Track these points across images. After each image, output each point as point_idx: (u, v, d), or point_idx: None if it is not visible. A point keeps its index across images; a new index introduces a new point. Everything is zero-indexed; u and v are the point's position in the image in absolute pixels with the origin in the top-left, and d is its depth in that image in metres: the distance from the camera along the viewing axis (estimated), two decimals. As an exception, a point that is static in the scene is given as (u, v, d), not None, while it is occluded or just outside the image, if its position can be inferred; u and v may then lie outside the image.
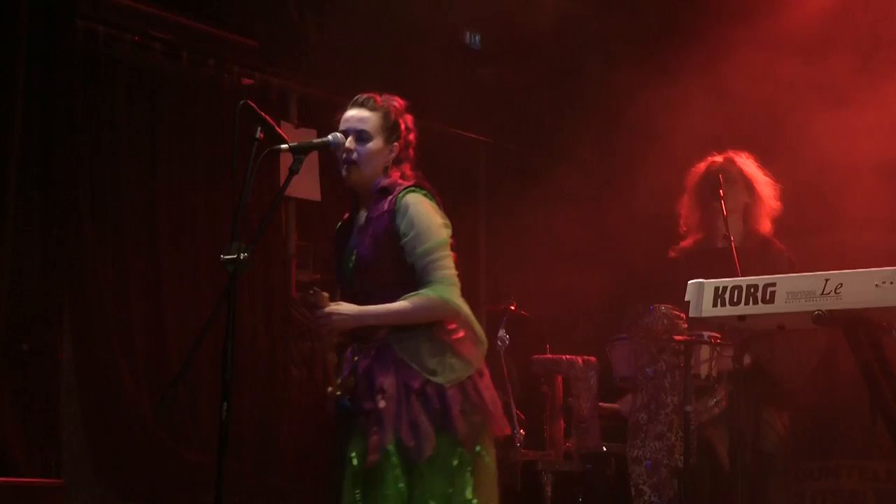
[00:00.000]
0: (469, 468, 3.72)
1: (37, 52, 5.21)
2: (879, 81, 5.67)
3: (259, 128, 3.49)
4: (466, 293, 3.96)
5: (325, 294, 3.74)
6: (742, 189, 5.10)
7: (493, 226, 7.42)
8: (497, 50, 7.04)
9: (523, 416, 5.61)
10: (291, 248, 6.35)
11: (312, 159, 6.08)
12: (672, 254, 5.22)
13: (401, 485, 3.62)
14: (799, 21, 6.04)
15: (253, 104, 3.49)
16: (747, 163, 5.16)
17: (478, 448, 3.75)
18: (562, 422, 5.59)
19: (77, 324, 5.30)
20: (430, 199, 3.84)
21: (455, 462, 3.70)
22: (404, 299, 3.74)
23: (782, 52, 5.96)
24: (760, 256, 5.00)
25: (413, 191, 3.84)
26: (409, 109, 4.00)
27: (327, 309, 3.72)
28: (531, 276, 6.58)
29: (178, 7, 5.87)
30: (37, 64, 5.22)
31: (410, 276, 3.77)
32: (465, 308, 3.82)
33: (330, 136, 3.79)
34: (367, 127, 3.84)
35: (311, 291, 3.76)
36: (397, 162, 3.94)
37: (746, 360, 4.90)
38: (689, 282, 3.27)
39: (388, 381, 3.68)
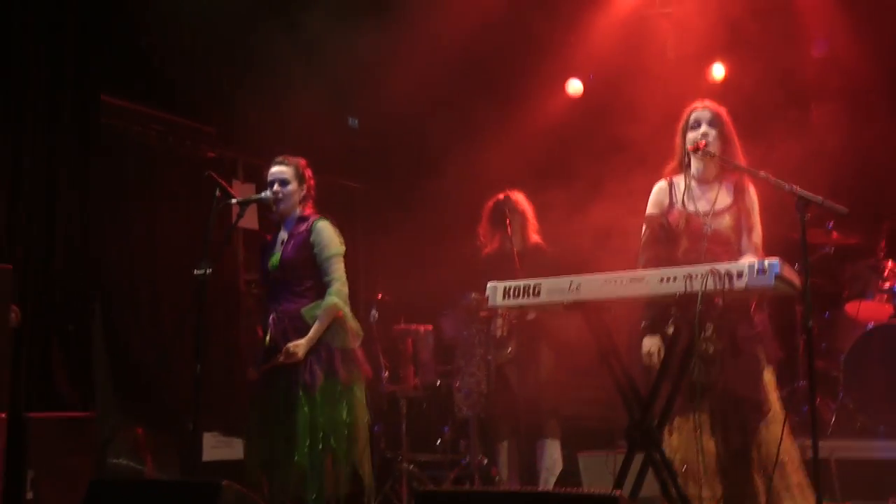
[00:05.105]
0: (345, 399, 4.31)
1: (74, 139, 5.74)
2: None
3: (217, 189, 4.21)
4: (349, 287, 4.59)
5: (286, 347, 4.23)
6: (518, 215, 5.85)
7: (367, 242, 7.94)
8: (369, 129, 7.80)
9: (388, 364, 6.38)
10: (240, 258, 6.98)
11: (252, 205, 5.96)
12: (479, 257, 5.93)
13: (305, 409, 4.24)
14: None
15: (214, 174, 4.25)
16: (520, 197, 5.95)
17: (353, 387, 4.37)
18: (412, 367, 6.39)
19: (104, 312, 6.04)
20: (334, 227, 4.58)
21: (336, 394, 4.30)
22: (318, 321, 4.24)
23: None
24: (534, 257, 5.72)
25: (324, 220, 4.55)
26: (309, 165, 4.67)
27: (293, 350, 4.24)
28: (392, 275, 7.12)
29: (167, 108, 6.58)
30: (75, 149, 5.72)
31: (315, 271, 4.42)
32: (347, 309, 4.41)
33: (262, 194, 4.56)
34: (287, 176, 4.53)
35: (283, 351, 4.23)
36: (305, 199, 4.61)
37: (531, 315, 5.42)
38: (488, 284, 3.73)
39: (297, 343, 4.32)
